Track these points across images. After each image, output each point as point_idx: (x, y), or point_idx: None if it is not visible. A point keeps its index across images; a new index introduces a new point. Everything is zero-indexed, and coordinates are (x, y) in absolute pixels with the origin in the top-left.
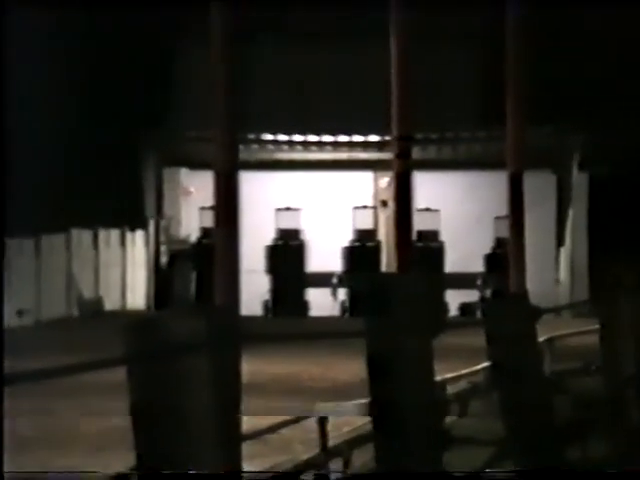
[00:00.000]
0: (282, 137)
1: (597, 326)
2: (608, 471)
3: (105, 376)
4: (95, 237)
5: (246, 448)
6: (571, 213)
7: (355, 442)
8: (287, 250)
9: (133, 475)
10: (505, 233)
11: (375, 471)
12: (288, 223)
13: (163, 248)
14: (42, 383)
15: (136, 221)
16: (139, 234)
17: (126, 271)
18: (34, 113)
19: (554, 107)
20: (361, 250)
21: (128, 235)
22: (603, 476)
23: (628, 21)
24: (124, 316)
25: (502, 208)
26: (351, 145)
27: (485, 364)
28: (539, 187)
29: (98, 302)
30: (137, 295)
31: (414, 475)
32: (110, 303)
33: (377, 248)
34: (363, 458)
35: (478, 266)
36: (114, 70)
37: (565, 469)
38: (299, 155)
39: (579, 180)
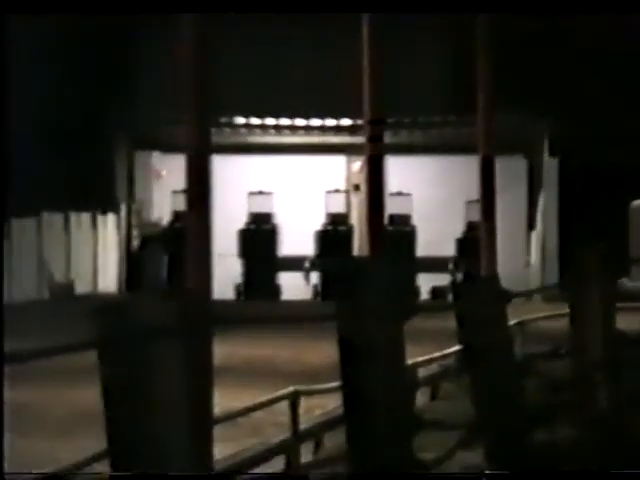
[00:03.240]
0: (254, 120)
1: (567, 310)
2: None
3: (76, 359)
4: (66, 220)
5: (218, 431)
6: (542, 197)
7: (327, 425)
8: (259, 234)
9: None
10: (476, 217)
11: (346, 454)
12: (260, 207)
13: (135, 231)
14: (11, 366)
15: (107, 204)
16: (110, 217)
17: (97, 254)
18: (2, 97)
19: (525, 92)
20: (333, 234)
21: (99, 218)
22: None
23: (598, 8)
24: (95, 299)
25: (473, 192)
26: (323, 129)
27: (456, 347)
28: (510, 172)
29: (69, 285)
30: (108, 278)
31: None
32: (81, 286)
33: (349, 232)
34: (334, 441)
35: (449, 250)
36: (84, 53)
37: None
38: (271, 139)
39: (549, 165)
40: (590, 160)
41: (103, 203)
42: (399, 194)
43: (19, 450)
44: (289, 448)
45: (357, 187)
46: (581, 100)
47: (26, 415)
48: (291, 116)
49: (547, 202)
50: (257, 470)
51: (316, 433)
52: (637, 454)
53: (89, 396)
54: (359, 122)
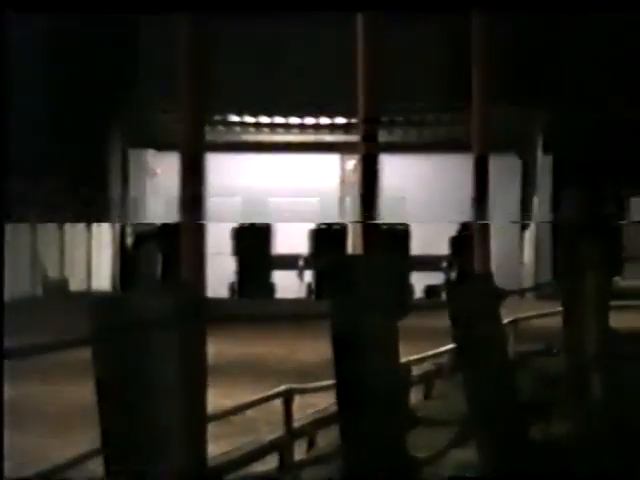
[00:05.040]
0: (249, 119)
1: (560, 308)
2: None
3: (70, 355)
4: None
5: (211, 429)
6: (536, 195)
7: (320, 423)
8: (253, 232)
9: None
10: (470, 216)
11: (340, 452)
12: (254, 206)
13: (129, 230)
14: (6, 363)
15: (102, 202)
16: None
17: (91, 252)
18: None
19: (518, 90)
20: (327, 232)
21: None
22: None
23: (593, 4)
24: (89, 297)
25: (467, 191)
26: (318, 127)
27: (450, 346)
28: (504, 170)
29: (63, 283)
30: (102, 276)
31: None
32: (75, 284)
33: (343, 230)
34: (328, 439)
35: (443, 248)
36: (79, 50)
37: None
38: (266, 137)
39: (543, 162)
40: (583, 157)
41: (97, 201)
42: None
43: (14, 447)
44: (283, 446)
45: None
46: (575, 96)
47: (21, 411)
48: (285, 114)
49: (541, 200)
50: (250, 468)
51: (309, 431)
52: (632, 450)
53: (83, 392)
54: (353, 121)
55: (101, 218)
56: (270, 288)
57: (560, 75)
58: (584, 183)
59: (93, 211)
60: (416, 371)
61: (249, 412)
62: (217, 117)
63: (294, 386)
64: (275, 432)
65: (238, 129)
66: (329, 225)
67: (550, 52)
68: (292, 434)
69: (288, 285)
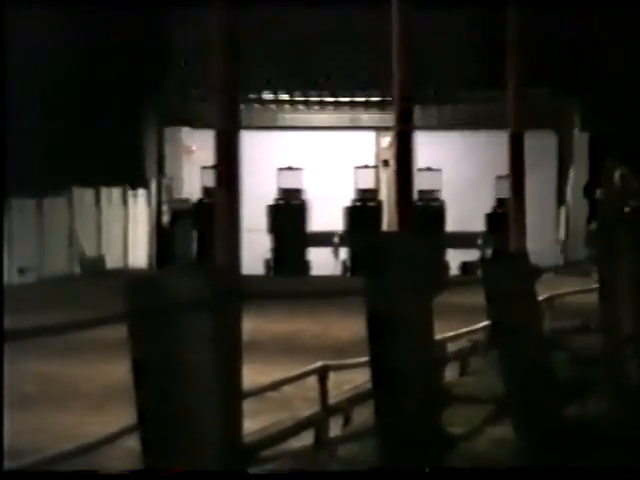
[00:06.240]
0: (284, 96)
1: (596, 285)
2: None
3: (107, 334)
4: (97, 196)
5: (247, 405)
6: (572, 173)
7: (355, 400)
8: (289, 209)
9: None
10: (506, 193)
11: (375, 429)
12: (290, 182)
13: (165, 207)
14: (43, 340)
15: (138, 180)
16: (141, 193)
17: (128, 230)
18: (37, 75)
19: (555, 67)
20: (363, 210)
21: (130, 194)
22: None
23: None
24: (126, 274)
25: (503, 168)
26: (353, 105)
27: (485, 323)
28: (540, 147)
29: (100, 260)
30: (139, 254)
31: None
32: (112, 261)
33: (378, 208)
34: (363, 416)
35: (479, 225)
36: (115, 31)
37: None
38: (301, 115)
39: (580, 140)
40: (621, 135)
41: (134, 179)
42: (428, 169)
43: (49, 423)
44: (318, 422)
45: (386, 163)
46: (612, 75)
47: (57, 388)
48: (320, 92)
49: (577, 177)
50: (286, 444)
51: (345, 408)
52: None
53: (120, 370)
54: (389, 98)
55: (137, 196)
56: (305, 265)
57: (597, 52)
58: (621, 162)
59: (129, 189)
60: (451, 348)
61: (285, 389)
62: (252, 95)
63: (329, 363)
64: (311, 409)
65: (273, 107)
66: (364, 202)
67: (586, 29)
68: (327, 411)
69: (323, 262)
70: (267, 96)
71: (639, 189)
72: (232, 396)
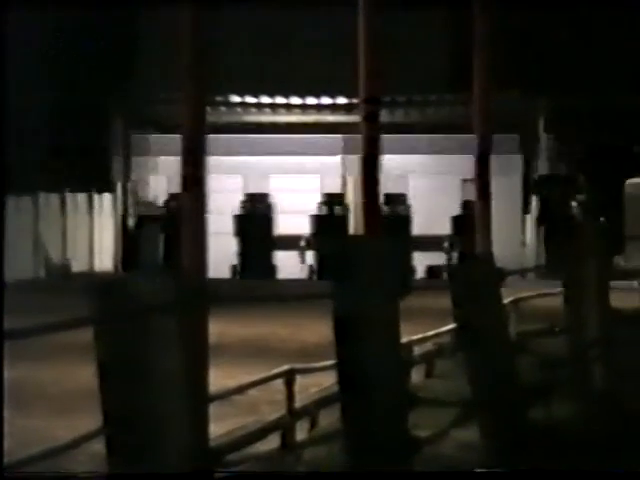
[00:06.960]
0: (250, 99)
1: (561, 288)
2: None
3: (73, 337)
4: (63, 200)
5: (214, 409)
6: (537, 176)
7: (322, 403)
8: (255, 213)
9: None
10: (472, 196)
11: (342, 432)
12: (256, 186)
13: (131, 211)
14: (8, 344)
15: (104, 184)
16: (107, 197)
17: (94, 234)
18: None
19: (520, 71)
20: (329, 214)
21: (96, 198)
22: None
23: None
24: (92, 278)
25: (469, 171)
26: (319, 108)
27: (451, 325)
28: (506, 151)
29: (66, 264)
30: (105, 258)
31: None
32: (78, 265)
33: (345, 211)
34: (330, 419)
35: (445, 229)
36: (82, 33)
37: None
38: (267, 118)
39: (545, 142)
40: (585, 139)
41: (99, 183)
42: (395, 174)
43: (17, 429)
44: (284, 426)
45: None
46: (577, 78)
47: (23, 393)
48: (287, 95)
49: (541, 181)
50: (252, 448)
51: (311, 411)
52: (632, 430)
53: (85, 373)
54: (355, 101)
55: (103, 200)
56: (272, 269)
57: (562, 55)
58: (584, 164)
59: (95, 193)
60: (417, 351)
61: (251, 392)
62: (218, 98)
63: (296, 366)
64: (277, 412)
65: (239, 110)
66: (331, 206)
67: (551, 32)
68: (294, 414)
69: (290, 266)
70: (233, 98)
71: (585, 188)
72: (198, 399)
